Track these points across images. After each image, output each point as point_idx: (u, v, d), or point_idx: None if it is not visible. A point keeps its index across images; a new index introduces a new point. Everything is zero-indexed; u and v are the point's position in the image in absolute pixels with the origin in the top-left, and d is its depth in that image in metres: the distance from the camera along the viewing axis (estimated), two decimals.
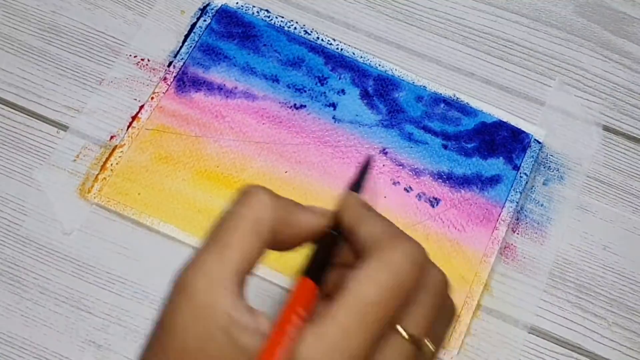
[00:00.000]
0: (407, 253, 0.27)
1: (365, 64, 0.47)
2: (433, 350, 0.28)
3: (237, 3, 0.48)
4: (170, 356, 0.26)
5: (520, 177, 0.45)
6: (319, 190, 0.44)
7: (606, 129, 0.47)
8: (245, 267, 0.27)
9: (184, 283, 0.26)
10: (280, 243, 0.29)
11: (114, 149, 0.44)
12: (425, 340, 0.28)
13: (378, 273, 0.26)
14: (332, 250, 0.30)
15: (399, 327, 0.27)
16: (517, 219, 0.44)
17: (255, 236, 0.27)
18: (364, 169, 0.42)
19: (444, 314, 0.29)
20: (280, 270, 0.42)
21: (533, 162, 0.45)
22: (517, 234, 0.44)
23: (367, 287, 0.26)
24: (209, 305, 0.26)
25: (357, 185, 0.39)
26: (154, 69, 0.46)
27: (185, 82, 0.46)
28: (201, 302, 0.26)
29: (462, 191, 0.44)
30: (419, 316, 0.27)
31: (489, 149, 0.45)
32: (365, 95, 0.46)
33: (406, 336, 0.27)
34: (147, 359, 0.27)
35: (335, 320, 0.25)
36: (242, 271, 0.27)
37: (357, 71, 0.47)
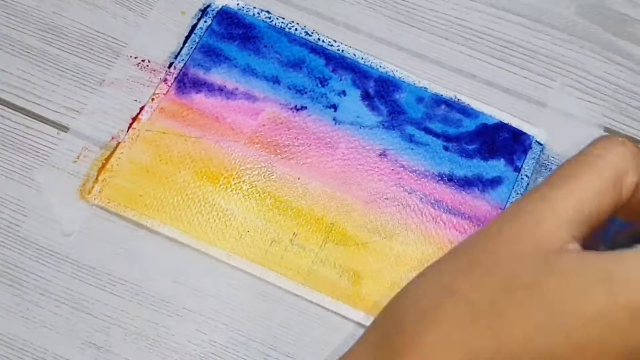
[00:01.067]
0: None
1: (366, 65, 0.47)
2: None
3: (237, 4, 0.48)
4: (480, 269, 0.24)
5: (522, 178, 0.45)
6: (320, 192, 0.44)
7: (608, 130, 0.47)
8: (593, 213, 0.23)
9: (517, 206, 0.24)
10: (637, 203, 0.25)
11: (114, 150, 0.44)
12: None
13: None
14: None
15: None
16: None
17: (615, 184, 0.24)
18: None
19: None
20: (281, 272, 0.42)
21: (534, 164, 0.45)
22: None
23: None
24: (542, 231, 0.23)
25: None
26: (154, 70, 0.46)
27: (186, 84, 0.46)
28: (534, 226, 0.23)
29: (463, 193, 0.44)
30: None
31: (490, 151, 0.45)
32: (366, 96, 0.46)
33: None
34: (458, 269, 0.25)
35: None
36: (587, 218, 0.23)
37: (358, 72, 0.47)
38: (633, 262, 0.23)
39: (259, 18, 0.48)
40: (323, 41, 0.48)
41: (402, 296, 0.26)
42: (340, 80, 0.47)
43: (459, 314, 0.23)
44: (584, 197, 0.23)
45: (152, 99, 0.45)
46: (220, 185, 0.43)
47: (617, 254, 0.23)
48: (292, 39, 0.48)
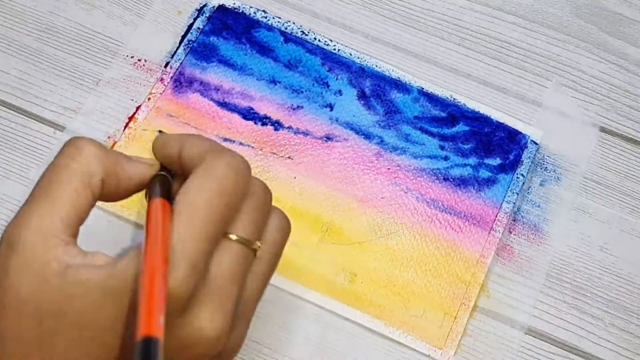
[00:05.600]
0: (230, 162, 0.28)
1: (362, 64, 0.47)
2: (260, 248, 0.29)
3: (234, 3, 0.48)
4: (8, 310, 0.26)
5: (517, 177, 0.45)
6: (316, 192, 0.44)
7: (603, 130, 0.47)
8: (76, 219, 0.27)
9: (12, 239, 0.27)
10: (111, 194, 0.29)
11: None
12: (258, 243, 0.29)
13: (202, 180, 0.27)
14: (169, 184, 0.30)
15: (230, 234, 0.28)
16: (514, 220, 0.44)
17: (85, 189, 0.28)
18: None
19: (274, 222, 0.31)
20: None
21: (530, 163, 0.45)
22: (514, 234, 0.44)
23: (193, 193, 0.27)
24: (40, 257, 0.26)
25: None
26: (150, 70, 0.46)
27: (182, 83, 0.46)
28: (32, 256, 0.26)
29: (459, 192, 0.44)
30: (247, 221, 0.28)
31: (486, 150, 0.45)
32: (362, 96, 0.46)
33: (235, 238, 0.28)
34: None
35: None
36: (74, 224, 0.27)
37: (354, 72, 0.47)
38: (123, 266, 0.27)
39: (255, 17, 0.48)
40: (319, 41, 0.48)
41: None
42: (337, 79, 0.47)
43: (10, 355, 0.26)
44: (62, 209, 0.27)
45: (149, 99, 0.45)
46: None
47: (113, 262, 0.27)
48: (288, 38, 0.48)
